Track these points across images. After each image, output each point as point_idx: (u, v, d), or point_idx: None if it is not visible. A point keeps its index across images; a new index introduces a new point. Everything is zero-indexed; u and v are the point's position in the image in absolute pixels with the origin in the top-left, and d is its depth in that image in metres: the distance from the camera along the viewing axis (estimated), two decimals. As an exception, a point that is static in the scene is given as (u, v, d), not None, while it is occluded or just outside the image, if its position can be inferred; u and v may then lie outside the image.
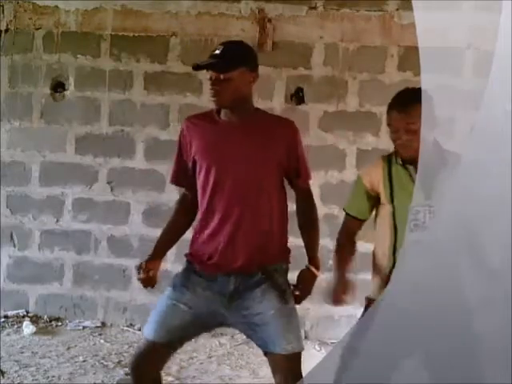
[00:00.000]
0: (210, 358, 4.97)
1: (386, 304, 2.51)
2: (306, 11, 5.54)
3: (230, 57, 2.85)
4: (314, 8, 5.53)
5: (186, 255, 2.98)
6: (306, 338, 5.43)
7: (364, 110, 5.48)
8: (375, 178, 2.92)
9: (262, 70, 5.46)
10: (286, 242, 3.01)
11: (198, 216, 2.95)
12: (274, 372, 2.88)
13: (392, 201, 2.87)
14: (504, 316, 2.31)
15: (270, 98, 5.60)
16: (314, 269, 2.99)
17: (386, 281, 2.84)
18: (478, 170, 2.16)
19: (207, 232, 2.88)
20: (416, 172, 2.76)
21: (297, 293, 2.96)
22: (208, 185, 2.86)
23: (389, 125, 2.88)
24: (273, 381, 2.91)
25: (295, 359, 2.86)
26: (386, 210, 2.90)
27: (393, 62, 5.50)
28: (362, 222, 3.05)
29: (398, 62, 5.49)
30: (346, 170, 5.43)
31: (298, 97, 5.60)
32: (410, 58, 5.42)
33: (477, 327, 2.56)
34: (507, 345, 2.27)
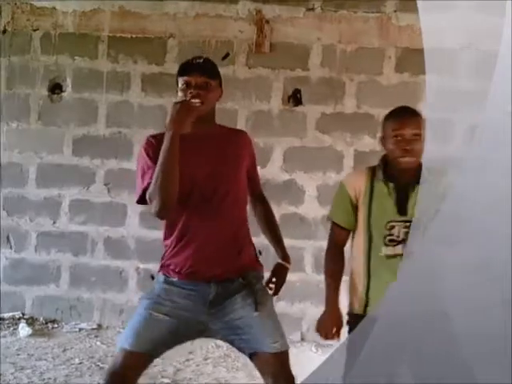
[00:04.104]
0: (207, 360, 4.96)
1: (383, 318, 2.50)
2: (304, 13, 5.55)
3: (212, 66, 2.91)
4: (312, 9, 5.53)
5: (161, 268, 2.94)
6: (302, 339, 5.44)
7: (361, 111, 5.48)
8: (358, 187, 2.91)
9: (259, 71, 5.59)
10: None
11: (173, 228, 2.89)
12: (263, 373, 2.86)
13: (369, 214, 2.87)
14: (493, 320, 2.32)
15: (268, 100, 5.61)
16: (285, 263, 3.10)
17: (365, 296, 2.87)
18: (480, 170, 2.16)
19: (183, 243, 2.86)
20: (395, 189, 2.85)
21: (272, 285, 3.05)
22: (182, 198, 2.80)
23: (386, 136, 2.89)
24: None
25: (283, 358, 2.85)
26: (361, 223, 2.90)
27: (390, 63, 5.50)
28: (348, 232, 2.99)
29: (396, 63, 5.49)
30: (344, 172, 5.42)
31: (295, 98, 5.61)
32: (407, 59, 5.44)
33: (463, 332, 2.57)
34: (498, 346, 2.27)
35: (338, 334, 2.93)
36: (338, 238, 3.01)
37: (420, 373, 2.71)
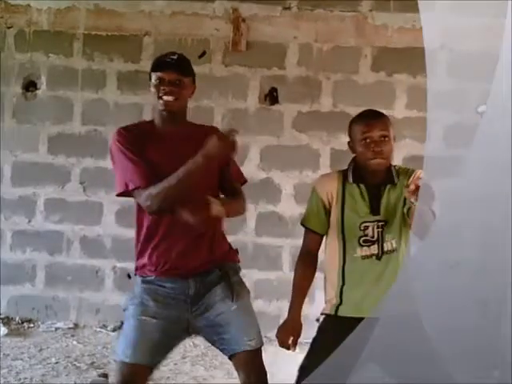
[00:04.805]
0: (184, 358, 4.96)
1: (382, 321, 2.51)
2: (280, 11, 5.56)
3: (186, 63, 2.92)
4: (288, 8, 5.55)
5: (137, 270, 2.94)
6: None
7: (338, 110, 5.51)
8: (329, 190, 2.95)
9: (236, 69, 5.60)
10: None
11: (145, 226, 2.89)
12: (239, 370, 2.89)
13: (342, 216, 2.91)
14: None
15: (244, 98, 5.61)
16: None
17: (339, 297, 2.91)
18: (482, 170, 2.18)
19: (156, 241, 2.86)
20: (367, 190, 2.89)
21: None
22: None
23: (355, 140, 2.90)
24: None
25: (258, 355, 2.89)
26: (335, 226, 2.94)
27: (366, 62, 5.53)
28: (321, 236, 3.02)
29: (372, 62, 5.52)
30: (320, 170, 5.43)
31: (272, 97, 5.62)
32: (383, 58, 5.48)
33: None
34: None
35: (294, 343, 2.95)
36: (311, 243, 3.04)
37: (395, 372, 2.72)
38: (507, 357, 2.24)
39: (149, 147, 2.85)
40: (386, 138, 2.84)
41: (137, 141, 2.86)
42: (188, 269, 2.86)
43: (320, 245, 3.04)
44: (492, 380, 2.26)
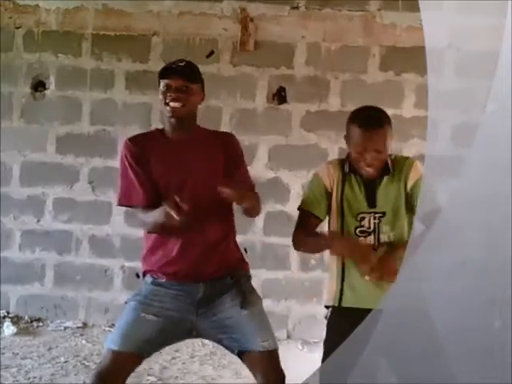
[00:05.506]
0: (193, 357, 4.96)
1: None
2: (288, 11, 5.55)
3: (194, 70, 2.94)
4: (296, 8, 5.54)
5: (148, 270, 2.96)
6: (288, 337, 5.45)
7: (346, 109, 5.48)
8: (332, 177, 2.97)
9: (244, 69, 5.60)
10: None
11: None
12: (254, 371, 2.89)
13: (342, 206, 2.93)
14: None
15: (253, 98, 5.61)
16: None
17: (340, 289, 2.93)
18: (483, 170, 2.18)
19: (169, 246, 2.89)
20: (363, 183, 2.91)
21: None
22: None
23: (350, 141, 2.88)
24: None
25: (273, 357, 2.88)
26: (334, 213, 2.96)
27: (375, 61, 5.52)
28: (320, 222, 3.03)
29: (380, 61, 5.51)
30: (329, 170, 5.43)
31: (280, 96, 5.61)
32: (391, 57, 5.46)
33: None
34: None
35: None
36: (310, 226, 3.02)
37: (403, 372, 2.72)
38: (507, 357, 2.24)
39: (156, 158, 2.89)
40: (379, 152, 2.82)
41: (143, 154, 2.91)
42: (200, 275, 2.87)
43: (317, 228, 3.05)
44: (496, 380, 2.25)
